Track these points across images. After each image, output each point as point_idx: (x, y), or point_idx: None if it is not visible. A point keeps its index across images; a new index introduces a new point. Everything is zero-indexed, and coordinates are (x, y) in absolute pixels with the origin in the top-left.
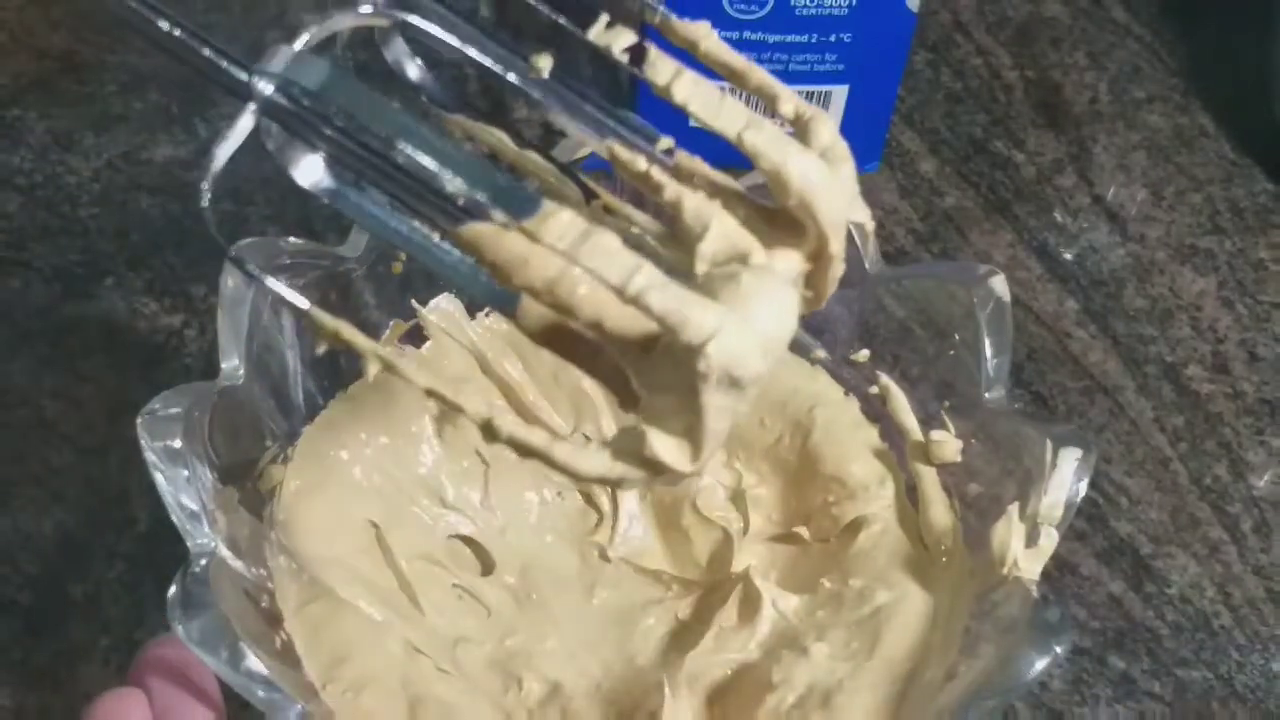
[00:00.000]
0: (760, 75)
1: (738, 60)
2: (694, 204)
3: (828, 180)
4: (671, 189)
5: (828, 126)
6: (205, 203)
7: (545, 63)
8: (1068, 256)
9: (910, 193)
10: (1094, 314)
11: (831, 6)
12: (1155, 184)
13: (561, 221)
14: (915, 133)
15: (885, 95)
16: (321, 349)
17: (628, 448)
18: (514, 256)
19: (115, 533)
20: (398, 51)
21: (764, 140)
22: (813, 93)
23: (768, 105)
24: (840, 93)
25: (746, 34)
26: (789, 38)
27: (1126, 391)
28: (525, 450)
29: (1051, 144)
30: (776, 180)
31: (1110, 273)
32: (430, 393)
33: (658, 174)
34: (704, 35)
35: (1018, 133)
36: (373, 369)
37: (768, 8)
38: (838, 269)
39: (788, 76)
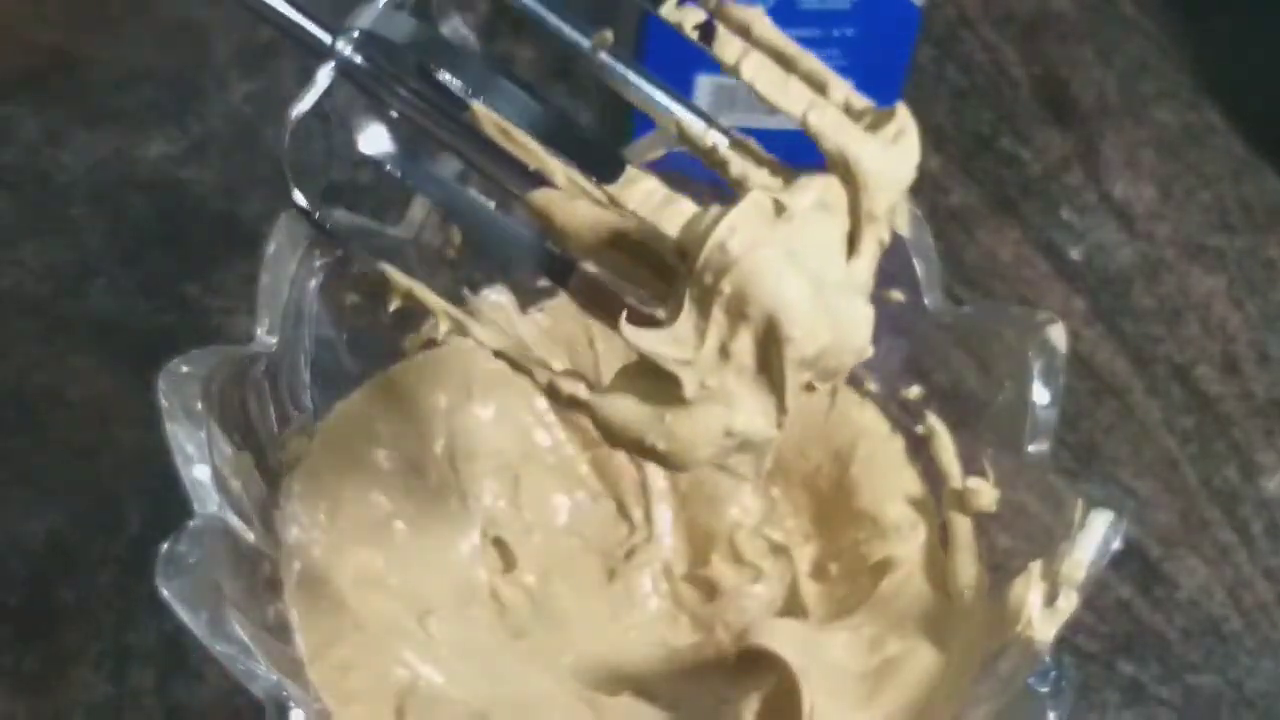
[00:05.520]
0: (811, 61)
1: (790, 46)
2: (760, 179)
3: (886, 165)
4: (737, 165)
5: (902, 114)
6: (287, 163)
7: (609, 37)
8: (1075, 255)
9: (915, 190)
10: (1101, 313)
11: (835, 1)
12: (1164, 181)
13: (644, 188)
14: (920, 129)
15: (889, 91)
16: (393, 306)
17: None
18: (585, 221)
19: (107, 536)
20: (455, 24)
21: (828, 122)
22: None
23: (817, 92)
24: None
25: None
26: (791, 32)
27: (1135, 392)
28: (580, 406)
29: (1058, 141)
30: (837, 161)
31: (1118, 271)
32: (500, 354)
33: (724, 150)
34: (756, 19)
35: (1024, 129)
36: (444, 327)
37: (770, 2)
38: (881, 234)
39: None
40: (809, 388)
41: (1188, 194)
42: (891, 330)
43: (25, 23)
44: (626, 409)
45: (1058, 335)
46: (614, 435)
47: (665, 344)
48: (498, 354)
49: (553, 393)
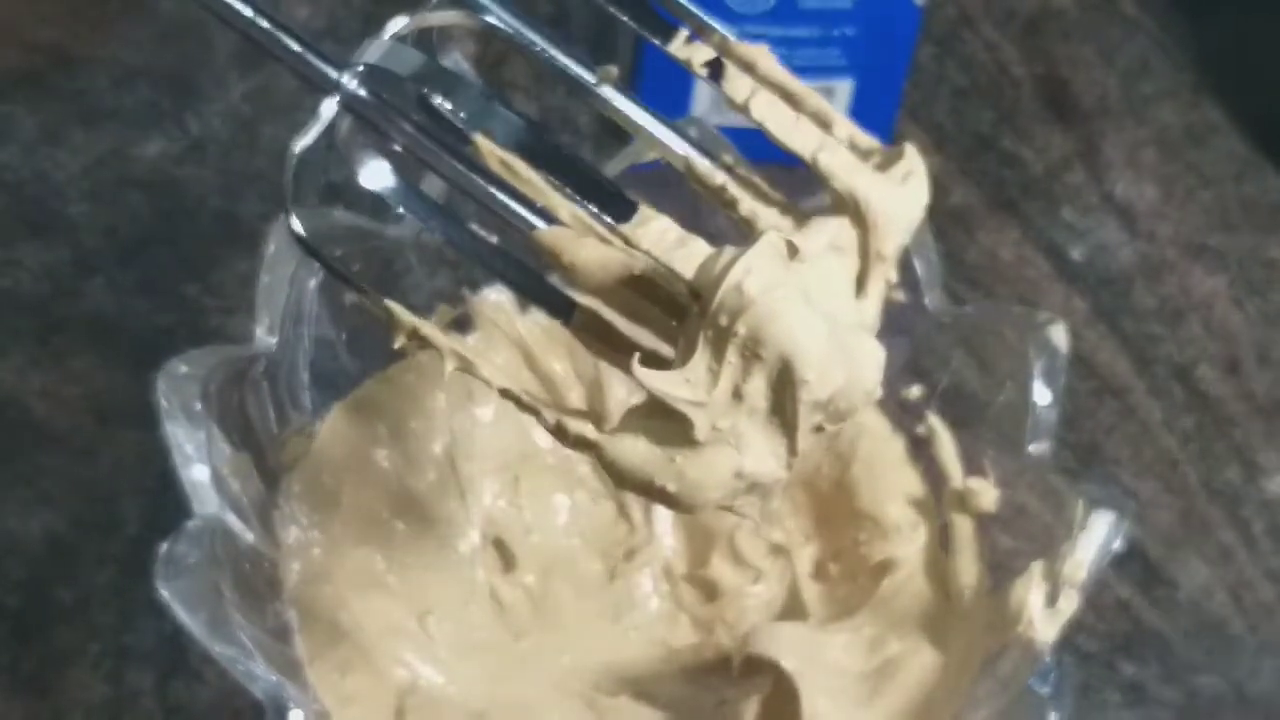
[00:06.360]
0: (816, 99)
1: (795, 83)
2: (769, 219)
3: (896, 206)
4: (747, 203)
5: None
6: (289, 200)
7: (614, 72)
8: (1076, 255)
9: None
10: (1102, 313)
11: (836, 1)
12: (1165, 181)
13: (658, 228)
14: (921, 128)
15: (890, 90)
16: (398, 343)
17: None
18: (595, 259)
19: (105, 536)
20: (455, 59)
21: (838, 163)
22: (816, 88)
23: (822, 129)
24: (845, 88)
25: (749, 28)
26: (792, 32)
27: (1136, 392)
28: (588, 447)
29: (1059, 140)
30: (847, 202)
31: (1119, 271)
32: (506, 393)
33: (733, 188)
34: (761, 56)
35: (1025, 129)
36: (450, 366)
37: (771, 2)
38: (889, 274)
39: (791, 72)
40: (818, 429)
41: (1189, 194)
42: (892, 330)
43: (23, 21)
44: (636, 451)
45: (1059, 335)
46: (622, 477)
47: (678, 385)
48: (504, 393)
49: (560, 432)
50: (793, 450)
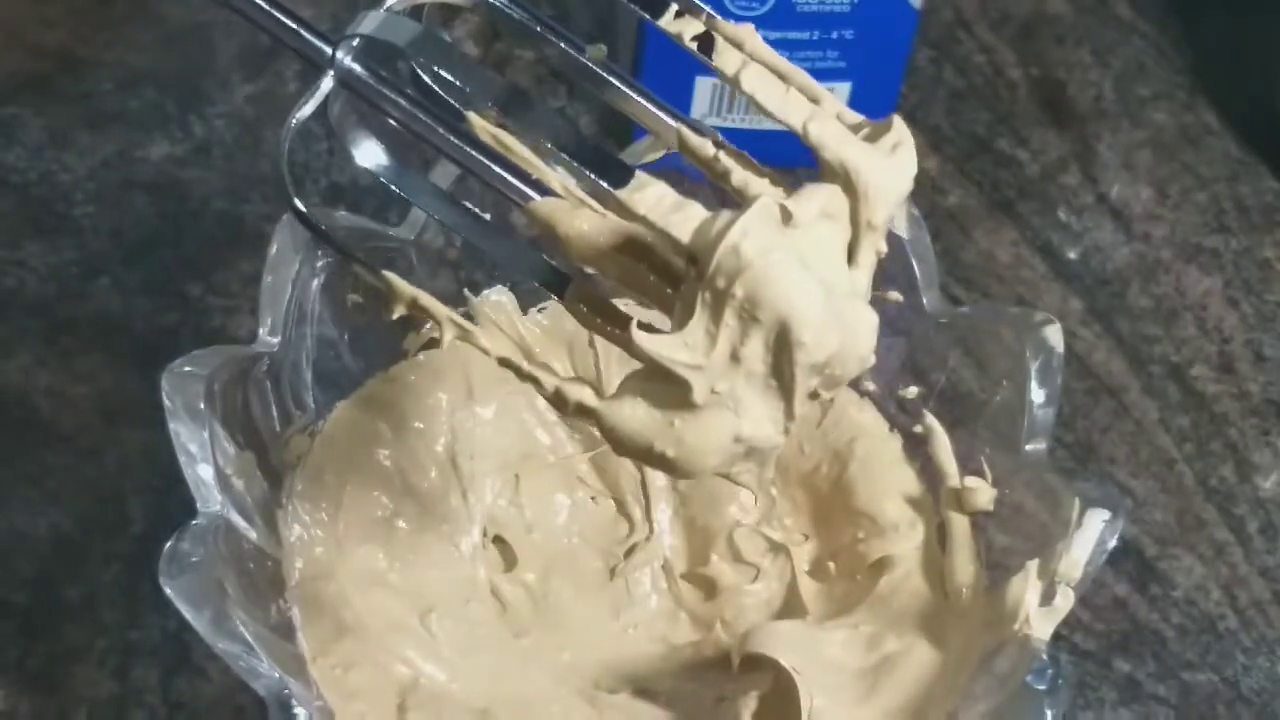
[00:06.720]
0: (803, 77)
1: (782, 63)
2: (761, 188)
3: (885, 176)
4: (739, 174)
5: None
6: (286, 168)
7: (601, 52)
8: (1072, 255)
9: (913, 191)
10: (1098, 313)
11: (833, 3)
12: (1160, 182)
13: (655, 193)
14: (917, 131)
15: (887, 93)
16: (397, 314)
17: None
18: (590, 227)
19: (111, 534)
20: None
21: (828, 133)
22: None
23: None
24: (842, 90)
25: None
26: (790, 34)
27: (1131, 392)
28: (587, 414)
29: (1055, 142)
30: (837, 172)
31: (1115, 272)
32: (504, 362)
33: (725, 159)
34: (748, 36)
35: (1021, 131)
36: (448, 335)
37: (769, 4)
38: (879, 244)
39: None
40: (813, 396)
41: (1184, 195)
42: (890, 330)
43: (29, 25)
44: (635, 415)
45: (1055, 335)
46: (622, 443)
47: (676, 349)
48: (502, 362)
49: (559, 401)
50: (790, 414)
